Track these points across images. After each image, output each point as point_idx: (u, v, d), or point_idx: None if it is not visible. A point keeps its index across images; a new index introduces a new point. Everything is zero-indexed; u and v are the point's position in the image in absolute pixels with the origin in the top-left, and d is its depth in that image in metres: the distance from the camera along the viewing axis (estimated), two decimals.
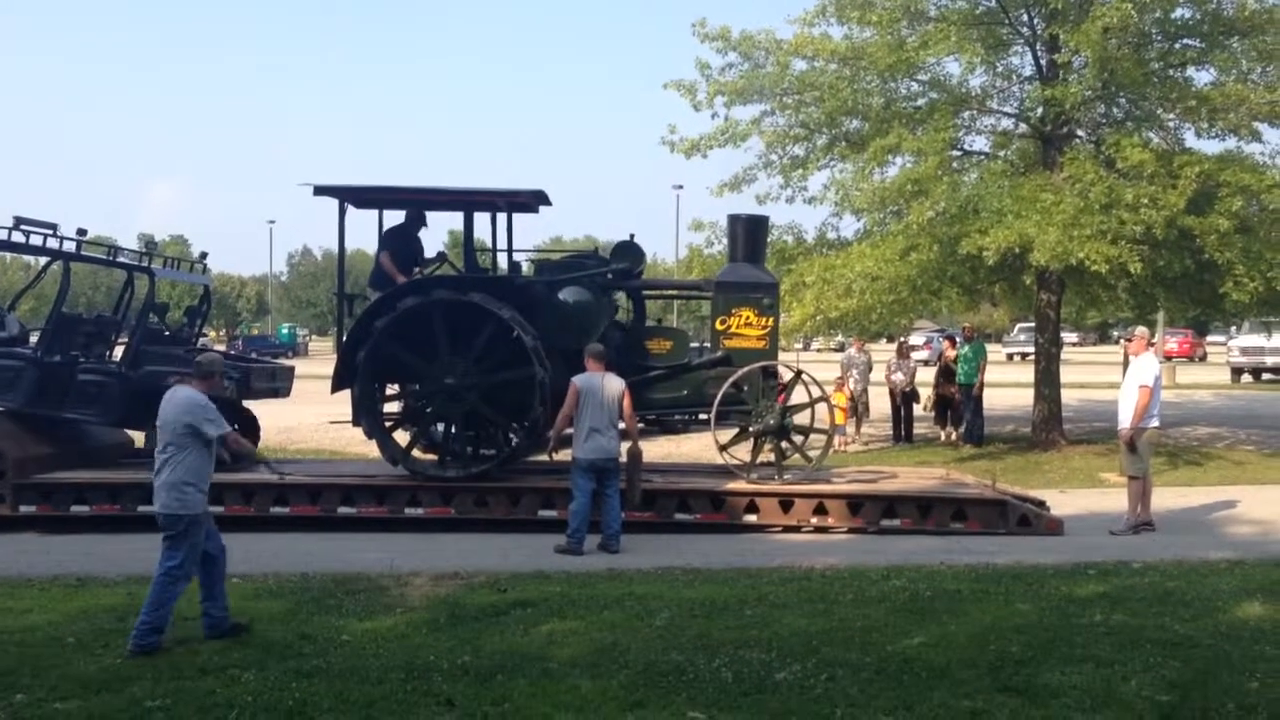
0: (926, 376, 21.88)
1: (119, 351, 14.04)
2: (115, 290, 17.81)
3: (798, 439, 12.90)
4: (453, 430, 12.98)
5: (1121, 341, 11.82)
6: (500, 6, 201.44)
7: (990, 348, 25.66)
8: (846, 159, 18.21)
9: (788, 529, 12.11)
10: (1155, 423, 12.17)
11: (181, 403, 7.63)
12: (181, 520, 7.50)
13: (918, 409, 20.85)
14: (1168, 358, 50.77)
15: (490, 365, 12.23)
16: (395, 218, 13.33)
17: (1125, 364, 12.19)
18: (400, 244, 13.18)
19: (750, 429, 12.70)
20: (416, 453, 12.90)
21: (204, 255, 16.06)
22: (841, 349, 27.39)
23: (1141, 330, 12.82)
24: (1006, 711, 5.83)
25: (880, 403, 21.43)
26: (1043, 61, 17.99)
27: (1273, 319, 24.56)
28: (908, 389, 20.49)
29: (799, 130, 18.23)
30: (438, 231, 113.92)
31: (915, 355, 23.13)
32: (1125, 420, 11.96)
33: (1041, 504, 12.57)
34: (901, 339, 23.04)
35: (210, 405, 7.69)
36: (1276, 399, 29.97)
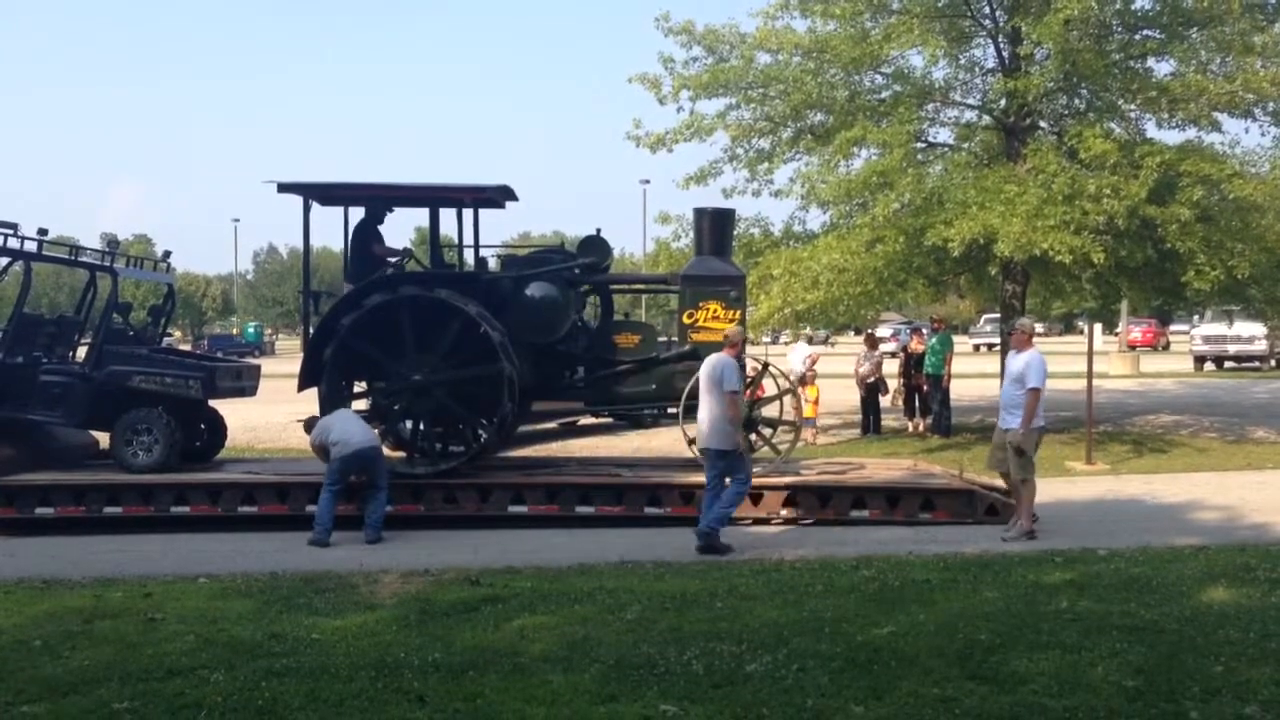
0: (894, 368, 21.98)
1: (82, 352, 13.89)
2: (78, 290, 17.63)
3: (766, 431, 12.94)
4: (421, 427, 12.93)
5: (1009, 335, 11.12)
6: (464, 3, 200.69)
7: (957, 339, 25.80)
8: (812, 152, 18.31)
9: (758, 521, 12.13)
10: (1041, 423, 11.24)
11: (720, 363, 10.32)
12: (730, 453, 10.23)
13: (884, 401, 20.95)
14: (1131, 347, 51.36)
15: (457, 361, 12.18)
16: (359, 214, 13.25)
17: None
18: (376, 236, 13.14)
19: None
20: (385, 450, 12.84)
21: (167, 254, 15.94)
22: (811, 342, 27.42)
23: (1023, 323, 11.75)
24: (975, 699, 5.87)
25: (848, 395, 21.51)
26: (1005, 54, 18.12)
27: (1234, 307, 24.80)
28: (875, 381, 20.56)
29: (764, 124, 18.29)
30: (404, 228, 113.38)
31: (882, 347, 23.23)
32: (1014, 422, 10.87)
33: (1008, 493, 12.62)
34: (869, 331, 23.10)
35: (737, 366, 10.43)
36: (1238, 387, 30.35)
